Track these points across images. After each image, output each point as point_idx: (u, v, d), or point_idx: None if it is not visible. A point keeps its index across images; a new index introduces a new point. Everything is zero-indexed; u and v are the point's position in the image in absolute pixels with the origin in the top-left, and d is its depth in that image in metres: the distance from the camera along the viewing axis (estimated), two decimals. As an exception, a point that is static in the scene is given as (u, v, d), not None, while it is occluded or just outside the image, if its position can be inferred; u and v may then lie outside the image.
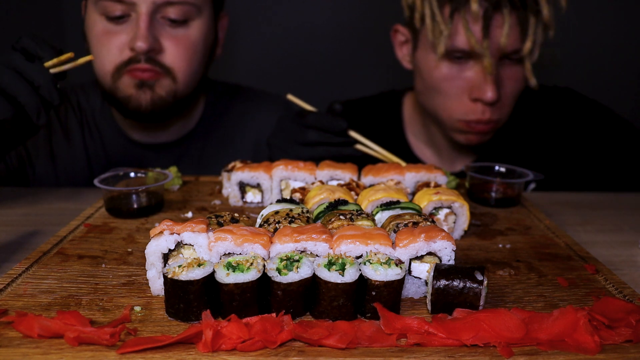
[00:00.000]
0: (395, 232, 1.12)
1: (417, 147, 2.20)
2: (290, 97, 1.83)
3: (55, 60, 1.40)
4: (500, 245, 1.34)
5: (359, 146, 1.75)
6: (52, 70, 1.39)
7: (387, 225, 1.17)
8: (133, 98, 1.82)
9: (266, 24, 3.58)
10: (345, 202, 1.25)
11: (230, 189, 1.57)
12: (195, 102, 2.11)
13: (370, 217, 1.17)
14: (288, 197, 1.48)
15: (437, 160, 2.18)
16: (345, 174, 1.52)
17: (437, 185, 1.46)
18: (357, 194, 1.42)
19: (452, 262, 1.05)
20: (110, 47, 1.78)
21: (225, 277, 0.93)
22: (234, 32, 3.47)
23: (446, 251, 1.05)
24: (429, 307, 1.00)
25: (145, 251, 1.03)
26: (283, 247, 1.02)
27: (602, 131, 2.12)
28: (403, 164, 1.68)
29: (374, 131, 2.02)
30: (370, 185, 1.49)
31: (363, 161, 1.68)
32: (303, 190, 1.44)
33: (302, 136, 1.71)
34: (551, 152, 2.12)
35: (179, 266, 0.95)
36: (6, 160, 1.95)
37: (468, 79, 1.81)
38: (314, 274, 0.96)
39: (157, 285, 1.03)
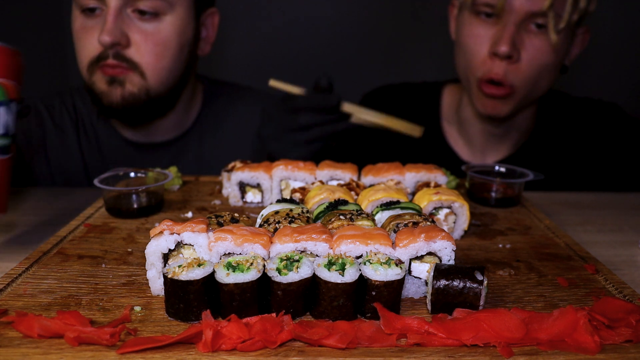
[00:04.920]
0: (395, 232, 1.12)
1: (451, 137, 2.21)
2: (273, 82, 1.75)
3: None
4: (500, 245, 1.34)
5: (355, 120, 1.70)
6: None
7: (387, 225, 1.17)
8: (105, 94, 1.81)
9: (262, 20, 3.57)
10: (345, 202, 1.25)
11: (230, 189, 1.57)
12: (192, 100, 2.10)
13: (370, 217, 1.17)
14: (288, 197, 1.48)
15: (469, 151, 2.18)
16: (345, 174, 1.52)
17: (437, 185, 1.46)
18: (357, 194, 1.42)
19: (452, 262, 1.05)
20: (85, 43, 1.78)
21: (225, 277, 0.93)
22: (230, 29, 3.46)
23: (446, 251, 1.05)
24: (429, 307, 1.00)
25: (145, 251, 1.03)
26: (283, 247, 1.02)
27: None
28: (417, 132, 1.70)
29: (411, 117, 2.07)
30: (370, 185, 1.49)
31: (363, 160, 1.68)
32: (303, 190, 1.44)
33: (293, 122, 1.67)
34: (584, 162, 2.14)
35: (179, 266, 0.95)
36: None
37: (489, 36, 1.86)
38: (314, 274, 0.96)
39: (157, 285, 1.03)
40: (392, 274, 0.96)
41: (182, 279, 0.93)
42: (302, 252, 1.03)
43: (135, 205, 1.46)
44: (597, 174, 2.13)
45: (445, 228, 1.35)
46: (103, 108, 1.86)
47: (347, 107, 1.69)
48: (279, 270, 0.95)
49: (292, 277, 0.94)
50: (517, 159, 2.12)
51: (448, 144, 2.19)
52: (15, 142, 1.25)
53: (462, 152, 2.18)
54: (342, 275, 0.94)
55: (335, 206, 1.23)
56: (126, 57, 1.77)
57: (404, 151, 2.17)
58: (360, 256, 1.02)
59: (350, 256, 1.01)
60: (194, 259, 0.98)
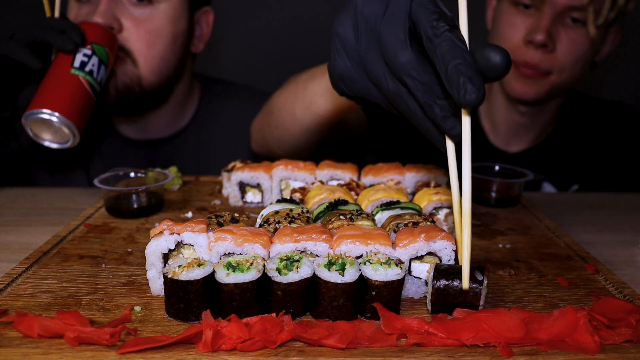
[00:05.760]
0: (395, 232, 1.12)
1: (483, 120, 2.25)
2: None
3: None
4: (500, 245, 1.34)
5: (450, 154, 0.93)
6: None
7: (387, 225, 1.16)
8: None
9: (261, 19, 3.56)
10: (345, 202, 1.25)
11: (230, 189, 1.57)
12: (189, 98, 2.10)
13: (370, 217, 1.17)
14: (288, 197, 1.48)
15: (493, 136, 2.22)
16: (345, 174, 1.52)
17: (437, 185, 1.46)
18: (357, 194, 1.42)
19: (452, 262, 1.05)
20: None
21: (225, 277, 0.93)
22: (228, 27, 3.45)
23: (446, 251, 1.05)
24: (429, 307, 1.00)
25: (145, 251, 1.03)
26: (283, 247, 1.02)
27: None
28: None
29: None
30: (370, 185, 1.49)
31: (364, 161, 1.67)
32: (303, 190, 1.44)
33: (399, 49, 0.91)
34: (601, 162, 2.18)
35: (179, 266, 0.95)
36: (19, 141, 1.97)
37: (525, 25, 1.91)
38: (314, 274, 0.96)
39: (157, 285, 1.03)
40: (392, 274, 0.96)
41: (182, 279, 0.93)
42: (302, 252, 1.03)
43: (135, 205, 1.46)
44: (613, 174, 2.17)
45: (445, 228, 1.35)
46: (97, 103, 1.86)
47: (466, 123, 0.88)
48: (279, 270, 0.95)
49: (292, 277, 0.94)
50: (538, 151, 2.17)
51: (481, 127, 2.23)
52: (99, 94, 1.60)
53: (490, 136, 2.23)
54: (342, 275, 0.94)
55: (335, 206, 1.23)
56: (119, 44, 1.77)
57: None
58: (360, 256, 1.02)
59: (350, 256, 1.01)
60: (194, 259, 0.98)
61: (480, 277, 0.96)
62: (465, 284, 0.89)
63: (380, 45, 0.94)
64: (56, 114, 1.42)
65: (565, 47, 1.90)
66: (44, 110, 1.41)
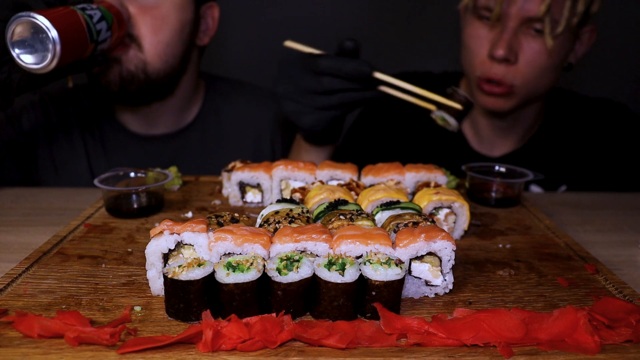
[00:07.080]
0: (395, 232, 1.12)
1: (465, 128, 2.25)
2: (290, 43, 1.68)
3: None
4: (500, 245, 1.34)
5: (385, 88, 1.57)
6: None
7: (387, 225, 1.17)
8: (103, 74, 1.82)
9: (265, 17, 3.56)
10: (345, 202, 1.25)
11: (230, 189, 1.57)
12: (194, 94, 2.11)
13: (370, 217, 1.17)
14: (288, 197, 1.48)
15: (478, 143, 2.21)
16: (345, 174, 1.52)
17: (437, 185, 1.46)
18: (357, 194, 1.42)
19: (452, 262, 1.05)
20: None
21: (225, 277, 0.93)
22: (232, 26, 3.45)
23: (446, 251, 1.05)
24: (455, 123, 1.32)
25: (145, 251, 1.03)
26: (283, 247, 1.02)
27: None
28: (459, 106, 1.63)
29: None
30: (370, 185, 1.49)
31: (367, 156, 1.68)
32: (303, 190, 1.44)
33: (316, 84, 1.54)
34: (589, 160, 2.16)
35: (179, 266, 0.95)
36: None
37: (489, 38, 1.91)
38: (314, 274, 0.96)
39: (157, 285, 1.03)
40: (392, 274, 0.96)
41: (182, 279, 0.93)
42: (302, 252, 1.03)
43: (135, 205, 1.46)
44: (602, 173, 2.15)
45: (445, 228, 1.35)
46: (101, 89, 1.85)
47: (380, 75, 1.53)
48: (279, 270, 0.95)
49: (292, 277, 0.94)
50: (524, 153, 2.15)
51: (463, 135, 2.22)
52: (97, 45, 1.58)
53: (473, 144, 2.21)
54: (342, 275, 0.94)
55: (335, 206, 1.23)
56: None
57: (419, 139, 2.21)
58: (360, 256, 1.02)
59: (350, 256, 1.01)
60: (194, 259, 0.98)
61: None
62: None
63: (306, 94, 1.57)
64: (48, 22, 1.36)
65: (528, 58, 1.86)
66: (35, 14, 1.36)
